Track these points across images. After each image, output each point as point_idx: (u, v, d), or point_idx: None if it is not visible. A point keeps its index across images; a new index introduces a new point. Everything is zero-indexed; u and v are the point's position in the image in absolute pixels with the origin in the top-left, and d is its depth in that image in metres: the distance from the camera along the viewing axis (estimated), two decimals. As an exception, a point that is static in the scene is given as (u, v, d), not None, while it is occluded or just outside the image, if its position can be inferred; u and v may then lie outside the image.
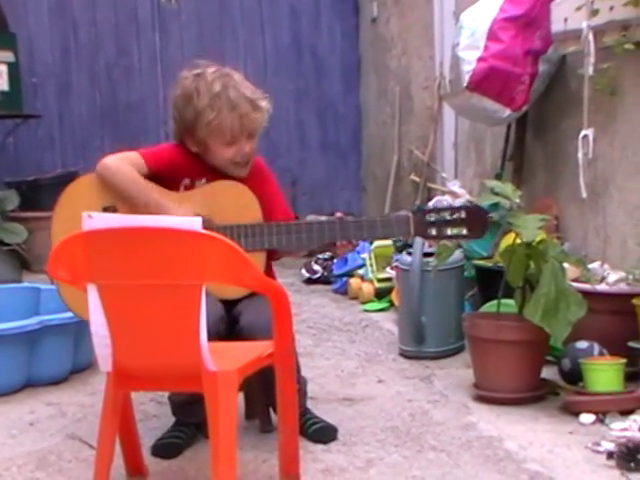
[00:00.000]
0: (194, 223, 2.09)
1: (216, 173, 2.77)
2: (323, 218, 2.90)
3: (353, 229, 2.67)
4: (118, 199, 2.68)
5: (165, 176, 2.71)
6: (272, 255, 2.82)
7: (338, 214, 2.82)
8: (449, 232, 2.66)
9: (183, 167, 2.76)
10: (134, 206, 2.65)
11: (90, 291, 2.16)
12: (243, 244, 2.61)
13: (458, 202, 2.72)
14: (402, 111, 6.49)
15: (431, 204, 5.04)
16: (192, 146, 2.77)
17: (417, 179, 5.98)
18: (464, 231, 2.65)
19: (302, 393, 2.82)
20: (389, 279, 4.87)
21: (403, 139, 6.50)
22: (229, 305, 2.72)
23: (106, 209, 2.64)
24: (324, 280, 5.62)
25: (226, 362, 2.19)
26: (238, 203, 2.72)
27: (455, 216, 2.65)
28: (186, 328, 2.11)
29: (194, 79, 2.76)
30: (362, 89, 7.54)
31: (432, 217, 2.66)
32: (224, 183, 2.75)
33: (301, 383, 2.81)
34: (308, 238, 2.68)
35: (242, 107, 2.70)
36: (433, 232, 2.67)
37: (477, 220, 2.66)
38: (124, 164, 2.67)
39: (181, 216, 2.48)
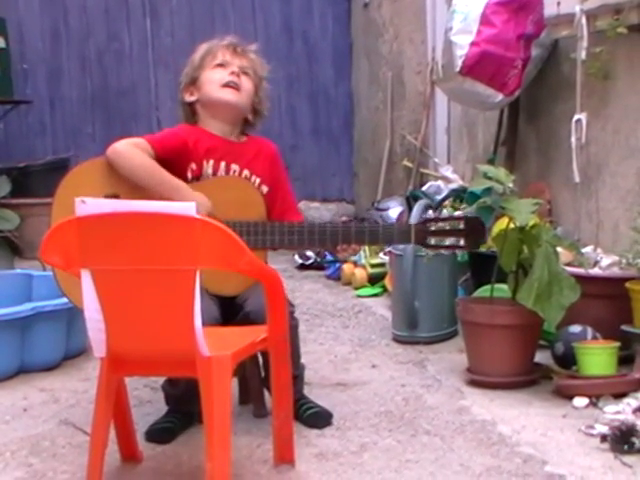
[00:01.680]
0: (188, 208, 2.08)
1: (222, 154, 2.78)
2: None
3: (355, 234, 2.70)
4: (124, 186, 2.65)
5: (171, 161, 2.70)
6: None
7: (343, 218, 2.86)
8: (447, 242, 2.72)
9: (191, 148, 2.75)
10: (143, 192, 2.61)
11: (84, 276, 2.15)
12: (245, 242, 2.62)
13: (457, 213, 2.80)
14: (394, 96, 6.48)
15: (425, 188, 5.05)
16: (190, 96, 2.86)
17: (410, 164, 5.98)
18: (461, 241, 2.71)
19: (300, 379, 2.83)
20: (382, 264, 4.87)
21: (395, 124, 6.49)
22: (229, 297, 2.72)
23: (107, 197, 2.61)
24: (317, 266, 5.62)
25: (220, 347, 2.19)
26: (243, 199, 2.74)
27: (454, 226, 2.71)
28: (180, 313, 2.11)
29: None
30: (354, 74, 7.53)
31: (432, 226, 2.72)
32: (232, 178, 2.78)
33: (299, 369, 2.82)
34: (310, 240, 2.72)
35: (234, 41, 2.90)
36: (432, 241, 2.73)
37: (474, 232, 2.72)
38: (134, 149, 2.66)
39: (196, 200, 2.48)
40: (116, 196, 2.63)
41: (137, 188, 2.64)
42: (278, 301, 2.35)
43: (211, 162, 2.78)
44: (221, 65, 2.84)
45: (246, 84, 2.86)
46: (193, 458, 2.54)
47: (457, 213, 2.82)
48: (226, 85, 2.82)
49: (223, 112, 2.83)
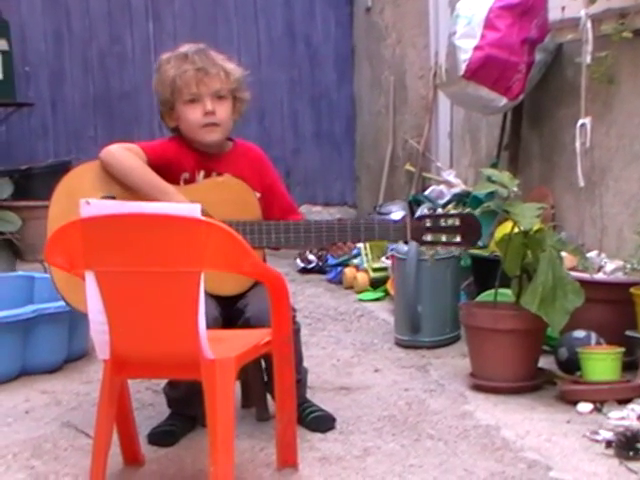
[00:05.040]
0: (193, 210, 2.08)
1: (212, 165, 2.78)
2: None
3: (350, 231, 2.71)
4: (118, 189, 2.66)
5: (164, 170, 2.71)
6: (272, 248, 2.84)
7: (337, 217, 2.84)
8: (443, 238, 2.72)
9: (181, 161, 2.77)
10: (136, 194, 2.64)
11: (88, 278, 2.14)
12: None
13: (453, 210, 2.80)
14: (396, 101, 6.47)
15: (427, 192, 5.04)
16: (170, 122, 2.83)
17: (412, 169, 5.97)
18: (457, 238, 2.71)
19: (302, 383, 2.82)
20: (384, 269, 4.86)
21: (397, 129, 6.48)
22: (229, 301, 2.72)
23: (104, 199, 2.61)
24: (319, 270, 5.60)
25: (224, 350, 2.18)
26: (238, 199, 2.74)
27: (450, 223, 2.71)
28: (184, 315, 2.10)
29: (167, 55, 2.84)
30: (356, 79, 7.51)
31: (428, 223, 2.72)
32: (225, 178, 2.78)
33: (302, 373, 2.81)
34: (306, 238, 2.72)
35: (201, 63, 2.75)
36: (428, 238, 2.73)
37: (470, 228, 2.72)
38: (127, 152, 2.68)
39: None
40: (112, 198, 2.64)
41: (131, 190, 2.67)
42: (282, 303, 2.34)
43: (202, 172, 2.78)
44: (192, 101, 2.74)
45: (223, 110, 2.76)
46: (196, 461, 2.53)
47: (452, 211, 2.81)
48: (204, 126, 2.75)
49: (207, 146, 2.80)
